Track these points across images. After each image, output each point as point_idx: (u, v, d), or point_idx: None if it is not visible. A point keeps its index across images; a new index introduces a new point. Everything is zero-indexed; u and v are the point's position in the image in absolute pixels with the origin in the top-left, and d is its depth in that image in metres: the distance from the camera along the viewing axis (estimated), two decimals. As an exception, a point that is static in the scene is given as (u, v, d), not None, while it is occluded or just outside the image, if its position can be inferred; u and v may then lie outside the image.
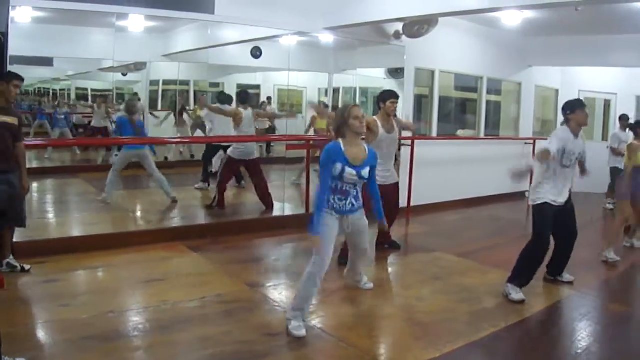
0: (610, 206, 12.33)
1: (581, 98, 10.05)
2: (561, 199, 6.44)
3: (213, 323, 5.21)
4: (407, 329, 5.35)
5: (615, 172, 12.08)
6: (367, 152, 5.28)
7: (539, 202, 6.46)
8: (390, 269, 7.65)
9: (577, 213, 6.69)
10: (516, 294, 6.16)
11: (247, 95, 10.23)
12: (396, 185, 7.80)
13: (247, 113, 9.84)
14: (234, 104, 10.59)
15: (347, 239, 5.75)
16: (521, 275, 6.30)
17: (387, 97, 7.45)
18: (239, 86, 14.66)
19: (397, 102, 7.51)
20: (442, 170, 11.30)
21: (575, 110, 6.38)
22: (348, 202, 5.24)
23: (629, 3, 8.56)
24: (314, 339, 5.00)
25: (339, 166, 5.08)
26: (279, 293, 6.19)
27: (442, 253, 8.11)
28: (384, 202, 5.74)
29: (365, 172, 5.22)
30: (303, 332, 4.94)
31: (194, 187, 11.38)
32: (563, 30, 12.03)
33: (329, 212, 5.21)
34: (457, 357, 4.82)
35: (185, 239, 7.86)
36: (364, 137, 5.64)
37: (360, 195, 5.38)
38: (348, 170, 5.10)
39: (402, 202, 8.97)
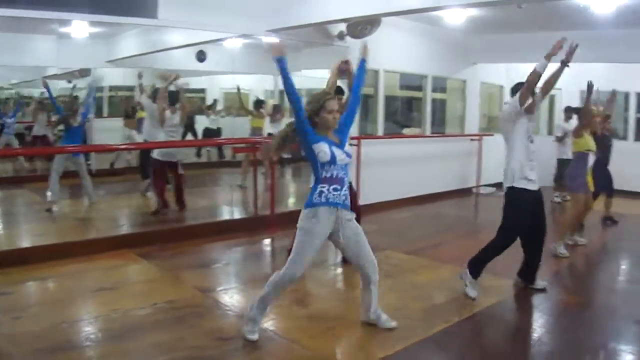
0: (558, 199, 12.51)
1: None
2: (536, 179, 6.16)
3: (165, 329, 5.17)
4: (359, 328, 5.35)
5: (562, 163, 12.26)
6: (337, 135, 4.91)
7: (518, 186, 6.08)
8: (340, 269, 7.64)
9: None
10: (472, 290, 6.11)
11: (176, 96, 10.19)
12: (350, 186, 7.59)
13: (173, 115, 9.78)
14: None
15: (345, 253, 5.22)
16: (479, 264, 6.20)
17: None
18: (184, 90, 14.61)
19: (342, 98, 7.03)
20: (389, 169, 11.38)
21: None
22: (343, 192, 4.80)
23: (571, 0, 8.70)
24: (266, 341, 4.99)
25: (325, 148, 4.68)
26: (230, 297, 6.18)
27: (392, 251, 8.16)
28: None
29: (350, 150, 4.98)
30: (256, 337, 4.88)
31: (141, 193, 11.26)
32: (507, 28, 12.19)
33: (318, 208, 4.76)
34: (410, 354, 4.86)
35: (135, 246, 7.78)
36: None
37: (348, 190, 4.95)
38: (336, 151, 4.73)
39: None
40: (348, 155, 4.86)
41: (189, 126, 14.47)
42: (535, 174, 6.14)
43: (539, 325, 5.72)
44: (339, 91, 7.16)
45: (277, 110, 13.00)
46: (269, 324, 5.38)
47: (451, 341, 5.24)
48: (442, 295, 6.31)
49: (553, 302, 6.47)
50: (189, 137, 14.55)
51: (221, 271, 7.41)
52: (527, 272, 6.54)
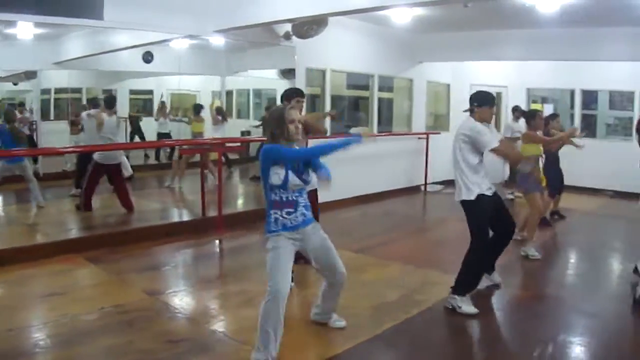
0: (511, 196, 12.68)
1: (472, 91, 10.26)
2: (491, 186, 6.12)
3: (114, 334, 5.14)
4: (308, 328, 5.38)
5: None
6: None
7: (473, 197, 5.97)
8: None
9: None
10: (467, 307, 5.83)
11: (112, 100, 10.11)
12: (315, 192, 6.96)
13: (110, 118, 9.74)
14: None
15: (314, 263, 4.98)
16: (468, 283, 6.00)
17: (291, 95, 6.76)
18: (131, 92, 14.50)
19: (302, 100, 6.80)
20: (337, 168, 11.30)
21: (483, 105, 6.10)
22: (299, 213, 4.63)
23: (516, -1, 8.86)
24: (216, 343, 5.03)
25: (281, 172, 4.48)
26: (179, 299, 6.17)
27: (340, 250, 8.10)
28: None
29: (309, 175, 4.74)
30: None
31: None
32: (453, 27, 12.31)
33: (278, 235, 4.58)
34: (358, 352, 4.92)
35: (83, 250, 7.68)
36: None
37: (309, 203, 4.81)
38: (291, 176, 4.52)
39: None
40: (305, 182, 4.66)
41: (136, 129, 14.37)
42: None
43: (488, 320, 5.83)
44: (300, 93, 6.86)
45: (219, 112, 12.96)
46: (218, 325, 5.43)
47: (400, 338, 5.30)
48: (391, 293, 6.37)
49: (502, 297, 6.59)
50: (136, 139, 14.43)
51: (170, 274, 7.37)
52: (488, 260, 6.52)
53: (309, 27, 9.97)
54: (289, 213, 4.59)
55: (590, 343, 5.25)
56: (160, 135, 14.22)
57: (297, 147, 4.77)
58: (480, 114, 6.06)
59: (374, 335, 5.23)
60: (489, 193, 6.00)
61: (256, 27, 9.39)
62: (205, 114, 13.24)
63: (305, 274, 6.96)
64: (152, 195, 12.26)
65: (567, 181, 10.79)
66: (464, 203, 6.01)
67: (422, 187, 14.21)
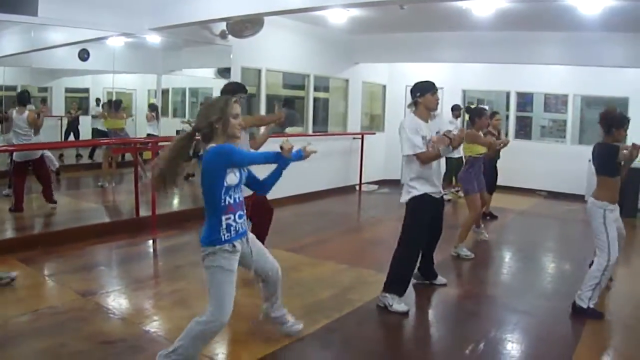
0: (448, 196, 12.87)
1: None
2: (437, 190, 6.12)
3: (47, 336, 5.07)
4: (242, 326, 5.39)
5: (449, 161, 12.63)
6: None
7: (416, 194, 5.94)
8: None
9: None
10: (398, 305, 5.84)
11: (25, 96, 9.97)
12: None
13: (21, 115, 9.62)
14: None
15: (255, 270, 4.69)
16: (398, 282, 5.94)
17: (234, 91, 6.32)
18: (67, 90, 14.25)
19: (244, 98, 6.58)
20: (272, 168, 11.42)
21: (425, 93, 6.06)
22: (245, 217, 4.26)
23: (452, 2, 9.00)
24: (150, 343, 4.99)
25: (236, 172, 4.08)
26: (112, 300, 6.11)
27: (274, 249, 8.13)
28: (255, 212, 5.75)
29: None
30: None
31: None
32: (389, 28, 12.48)
33: (225, 249, 4.08)
34: (292, 351, 4.97)
35: (15, 252, 7.51)
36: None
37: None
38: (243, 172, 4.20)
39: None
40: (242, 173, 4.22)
41: (73, 127, 14.13)
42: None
43: (421, 318, 5.97)
44: (244, 89, 6.65)
45: (153, 109, 12.83)
46: (152, 325, 5.40)
47: (333, 337, 5.34)
48: (324, 292, 6.44)
49: (436, 295, 6.69)
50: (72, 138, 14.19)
51: (103, 274, 7.28)
52: (428, 266, 6.77)
53: (244, 26, 9.98)
54: (240, 216, 4.17)
55: (522, 339, 5.41)
56: (98, 132, 14.04)
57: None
58: (424, 103, 6.04)
59: (307, 333, 5.26)
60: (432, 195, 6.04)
61: (192, 25, 9.36)
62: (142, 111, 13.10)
63: (241, 274, 6.95)
64: (86, 195, 12.10)
65: (503, 181, 11.03)
66: (407, 203, 6.06)
67: (357, 187, 14.32)
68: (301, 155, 4.34)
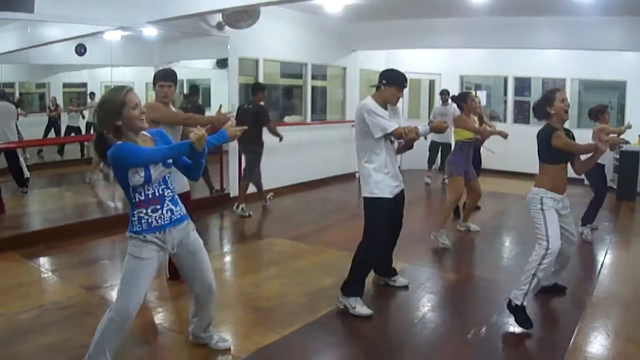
0: (428, 180, 12.92)
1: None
2: (398, 183, 5.70)
3: (53, 331, 5.08)
4: (245, 316, 5.45)
5: (434, 146, 12.68)
6: (152, 137, 4.04)
7: (377, 195, 5.50)
8: (224, 259, 7.73)
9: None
10: (361, 307, 5.47)
11: None
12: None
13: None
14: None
15: (180, 269, 4.39)
16: (357, 283, 5.59)
17: (156, 79, 6.27)
18: (65, 85, 14.26)
19: (174, 86, 6.37)
20: (273, 157, 11.41)
21: (391, 85, 5.53)
22: (165, 209, 3.96)
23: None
24: (154, 335, 5.05)
25: (140, 170, 3.77)
26: (116, 293, 6.13)
27: (276, 238, 8.28)
28: None
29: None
30: None
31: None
32: (385, 15, 12.47)
33: (144, 239, 3.95)
34: (295, 338, 4.98)
35: (19, 248, 7.50)
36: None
37: (177, 197, 4.12)
38: (153, 169, 3.83)
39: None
40: (167, 165, 3.94)
41: (54, 123, 14.08)
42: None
43: (423, 303, 5.95)
44: (165, 76, 6.32)
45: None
46: (157, 317, 5.44)
47: (336, 323, 5.38)
48: (326, 279, 6.45)
49: (437, 281, 6.74)
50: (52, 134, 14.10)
51: (106, 268, 7.27)
52: (385, 265, 6.31)
53: (241, 17, 9.98)
54: (155, 210, 3.93)
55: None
56: (70, 129, 14.00)
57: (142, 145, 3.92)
58: (385, 94, 5.58)
59: (310, 321, 5.30)
60: (392, 194, 5.63)
61: (188, 17, 9.35)
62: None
63: (240, 264, 6.98)
64: (85, 190, 12.09)
65: (502, 166, 11.02)
66: (365, 199, 5.66)
67: (357, 174, 14.28)
68: (225, 136, 4.02)
